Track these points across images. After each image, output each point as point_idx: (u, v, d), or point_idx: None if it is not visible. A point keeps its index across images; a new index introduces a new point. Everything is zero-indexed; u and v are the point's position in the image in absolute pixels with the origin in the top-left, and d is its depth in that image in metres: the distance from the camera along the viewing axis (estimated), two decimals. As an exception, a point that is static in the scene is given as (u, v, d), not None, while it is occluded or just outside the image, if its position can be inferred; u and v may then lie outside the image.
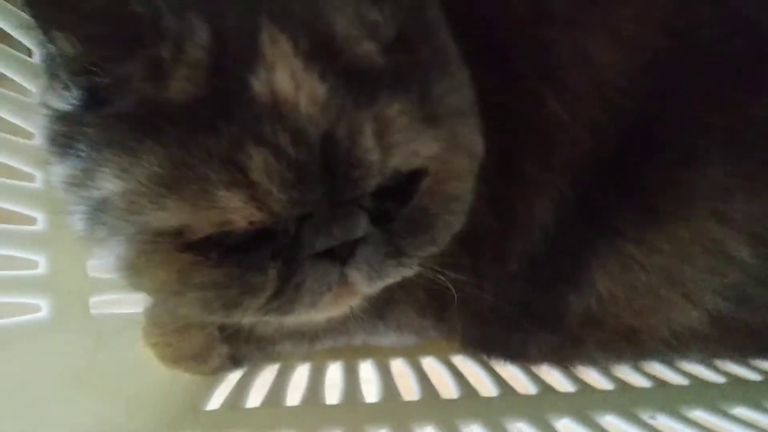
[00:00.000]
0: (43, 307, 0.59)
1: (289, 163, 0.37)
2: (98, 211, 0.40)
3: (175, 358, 0.63)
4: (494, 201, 0.53)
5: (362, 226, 0.40)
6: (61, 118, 0.41)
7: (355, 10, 0.40)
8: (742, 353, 0.64)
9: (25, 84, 0.64)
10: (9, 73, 0.62)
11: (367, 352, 0.73)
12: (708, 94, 0.52)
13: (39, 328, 0.57)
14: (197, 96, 0.37)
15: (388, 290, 0.54)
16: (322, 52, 0.38)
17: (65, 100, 0.41)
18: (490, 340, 0.66)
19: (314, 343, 0.69)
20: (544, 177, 0.54)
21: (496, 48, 0.51)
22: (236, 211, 0.38)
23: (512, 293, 0.58)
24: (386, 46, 0.40)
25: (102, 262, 0.44)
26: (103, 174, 0.39)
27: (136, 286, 0.45)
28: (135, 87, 0.38)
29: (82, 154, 0.40)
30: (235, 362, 0.68)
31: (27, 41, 0.61)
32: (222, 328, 0.65)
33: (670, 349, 0.60)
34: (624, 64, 0.52)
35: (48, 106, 0.42)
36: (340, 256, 0.41)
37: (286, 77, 0.37)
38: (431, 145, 0.42)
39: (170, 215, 0.38)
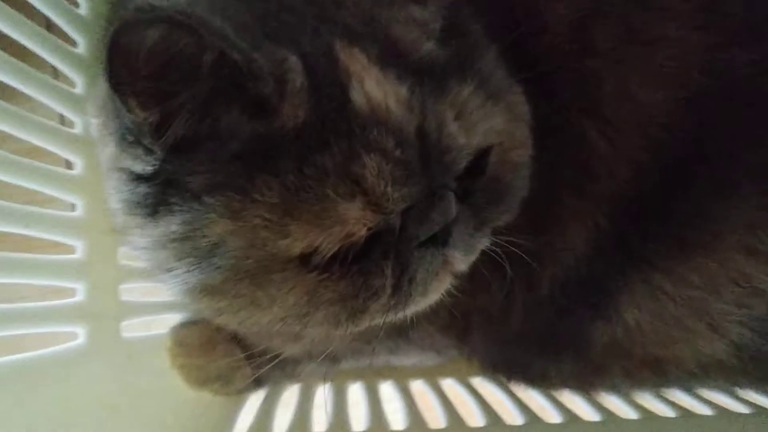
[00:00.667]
0: (80, 335, 0.59)
1: (396, 163, 0.39)
2: (211, 256, 0.40)
3: (201, 380, 0.63)
4: (531, 226, 0.53)
5: (453, 207, 0.42)
6: (145, 179, 0.41)
7: (406, 14, 0.43)
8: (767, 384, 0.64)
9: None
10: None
11: (386, 372, 0.73)
12: (743, 130, 0.52)
13: (76, 356, 0.57)
14: (306, 120, 0.39)
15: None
16: (391, 57, 0.41)
17: (148, 163, 0.41)
18: (511, 363, 0.66)
19: (337, 364, 0.69)
20: (581, 206, 0.55)
21: (539, 80, 0.51)
22: (357, 220, 0.39)
23: (539, 318, 0.59)
24: (439, 38, 0.43)
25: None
26: (210, 220, 0.39)
27: (251, 322, 0.45)
28: (242, 128, 0.38)
29: (178, 208, 0.40)
30: (257, 383, 0.69)
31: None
32: (245, 347, 0.66)
33: (695, 379, 0.60)
34: (665, 101, 0.53)
35: (125, 171, 0.42)
36: (441, 239, 0.43)
37: (374, 85, 0.39)
38: (499, 119, 0.45)
39: (296, 241, 0.39)
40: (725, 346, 0.56)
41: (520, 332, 0.60)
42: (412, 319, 0.57)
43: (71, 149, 0.62)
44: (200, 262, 0.41)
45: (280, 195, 0.38)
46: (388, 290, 0.43)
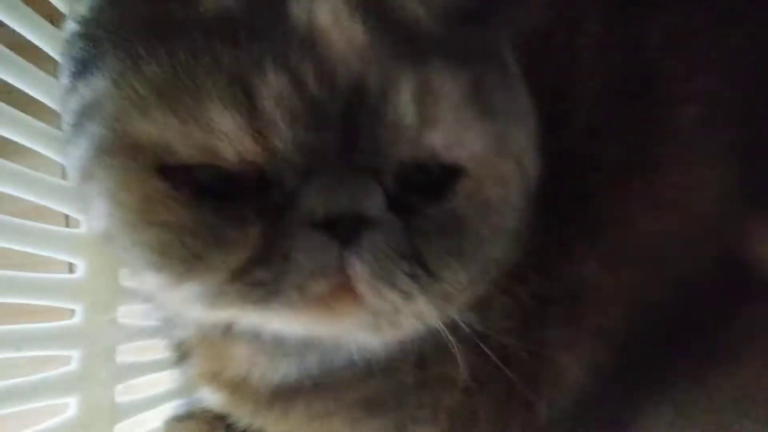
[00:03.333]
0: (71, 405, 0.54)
1: (305, 96, 0.33)
2: (85, 118, 0.37)
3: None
4: (528, 340, 0.49)
5: (375, 201, 0.34)
6: (80, 29, 0.39)
7: None
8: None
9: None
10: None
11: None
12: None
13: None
14: (227, 7, 0.35)
15: (405, 409, 0.52)
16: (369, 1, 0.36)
17: (88, 9, 0.39)
18: None
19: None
20: (573, 337, 0.51)
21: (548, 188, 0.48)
22: (228, 137, 0.33)
23: None
24: (440, 14, 0.38)
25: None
26: (100, 75, 0.36)
27: (100, 218, 0.38)
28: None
29: (87, 60, 0.38)
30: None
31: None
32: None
33: None
34: (666, 233, 0.50)
35: (73, 17, 0.40)
36: (342, 235, 0.34)
37: (327, 9, 0.35)
38: (479, 138, 0.37)
39: (153, 127, 0.34)
40: None
41: None
42: (412, 417, 0.56)
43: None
44: (76, 122, 0.38)
45: (163, 73, 0.34)
46: (245, 251, 0.34)
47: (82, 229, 0.58)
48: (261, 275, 0.34)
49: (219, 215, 0.35)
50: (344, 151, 0.34)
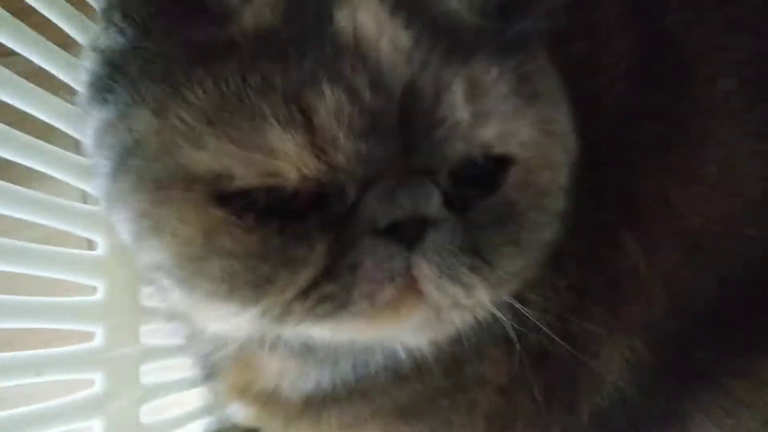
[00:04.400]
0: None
1: (363, 107, 0.32)
2: (128, 155, 0.36)
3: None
4: (566, 335, 0.47)
5: (434, 202, 0.34)
6: (107, 60, 0.38)
7: None
8: None
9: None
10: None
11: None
12: None
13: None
14: (272, 24, 0.34)
15: (440, 414, 0.50)
16: (407, 1, 0.35)
17: (115, 41, 0.37)
18: None
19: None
20: (614, 330, 0.48)
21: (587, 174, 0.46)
22: (289, 158, 0.32)
23: None
24: (479, 7, 0.37)
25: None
26: (138, 113, 0.35)
27: (153, 252, 0.37)
28: (199, 22, 0.34)
29: (120, 94, 0.36)
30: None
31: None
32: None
33: None
34: (707, 213, 0.48)
35: (97, 49, 0.39)
36: (407, 238, 0.33)
37: (369, 16, 0.34)
38: (527, 126, 0.37)
39: (209, 156, 0.33)
40: None
41: None
42: (445, 421, 0.53)
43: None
44: (118, 162, 0.36)
45: (211, 99, 0.33)
46: (314, 268, 0.33)
47: (101, 251, 0.57)
48: (330, 288, 0.34)
49: (284, 236, 0.34)
50: (401, 156, 0.33)
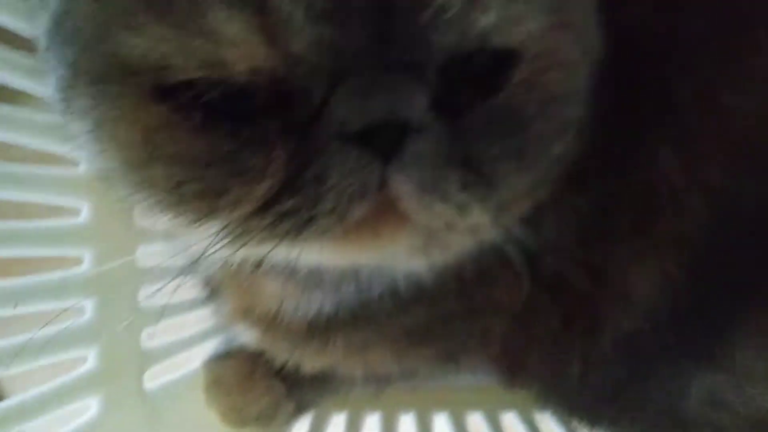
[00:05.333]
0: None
1: None
2: (67, 46, 0.32)
3: (242, 420, 0.57)
4: (587, 263, 0.43)
5: (418, 104, 0.28)
6: None
7: None
8: None
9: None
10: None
11: (441, 401, 0.66)
12: None
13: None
14: None
15: (454, 337, 0.47)
16: None
17: None
18: (575, 408, 0.57)
19: (384, 386, 0.62)
20: (643, 248, 0.43)
21: (613, 65, 0.40)
22: (234, 44, 0.27)
23: (605, 374, 0.49)
24: None
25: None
26: None
27: (99, 160, 0.33)
28: None
29: None
30: (300, 410, 0.62)
31: None
32: (284, 378, 0.59)
33: None
34: (760, 116, 0.41)
35: None
36: (382, 149, 0.28)
37: None
38: (533, 13, 0.31)
39: (146, 42, 0.28)
40: None
41: (583, 380, 0.50)
42: (462, 346, 0.51)
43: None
44: (60, 50, 0.32)
45: None
46: (272, 179, 0.29)
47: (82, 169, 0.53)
48: (290, 204, 0.29)
49: (237, 141, 0.29)
50: (377, 48, 0.28)
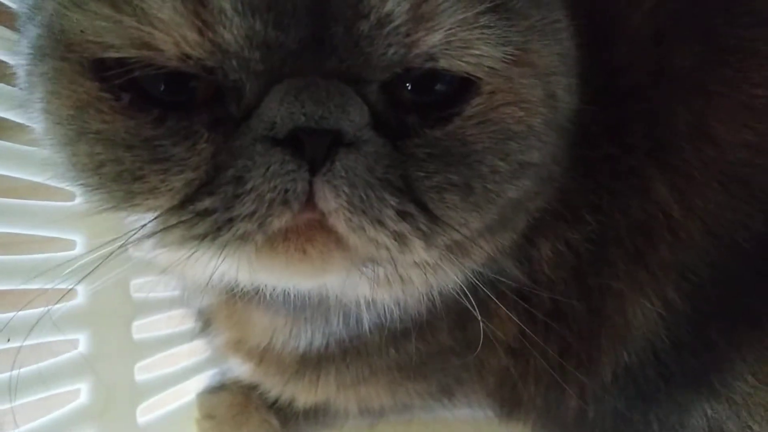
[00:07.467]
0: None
1: None
2: (27, 21, 0.32)
3: (234, 453, 0.56)
4: (584, 296, 0.44)
5: (355, 115, 0.27)
6: None
7: None
8: None
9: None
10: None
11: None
12: None
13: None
14: None
15: (449, 371, 0.47)
16: None
17: None
18: None
19: (378, 420, 0.61)
20: (642, 277, 0.43)
21: (605, 109, 0.41)
22: (165, 26, 0.27)
23: (604, 407, 0.48)
24: None
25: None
26: None
27: (40, 131, 0.33)
28: None
29: None
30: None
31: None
32: (278, 411, 0.59)
33: None
34: (756, 144, 0.42)
35: None
36: (310, 154, 0.27)
37: None
38: (492, 46, 0.30)
39: (85, 18, 0.28)
40: None
41: (580, 414, 0.50)
42: (457, 378, 0.51)
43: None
44: (23, 29, 0.33)
45: None
46: (193, 172, 0.28)
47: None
48: (209, 202, 0.28)
49: (162, 127, 0.29)
50: (315, 53, 0.27)
